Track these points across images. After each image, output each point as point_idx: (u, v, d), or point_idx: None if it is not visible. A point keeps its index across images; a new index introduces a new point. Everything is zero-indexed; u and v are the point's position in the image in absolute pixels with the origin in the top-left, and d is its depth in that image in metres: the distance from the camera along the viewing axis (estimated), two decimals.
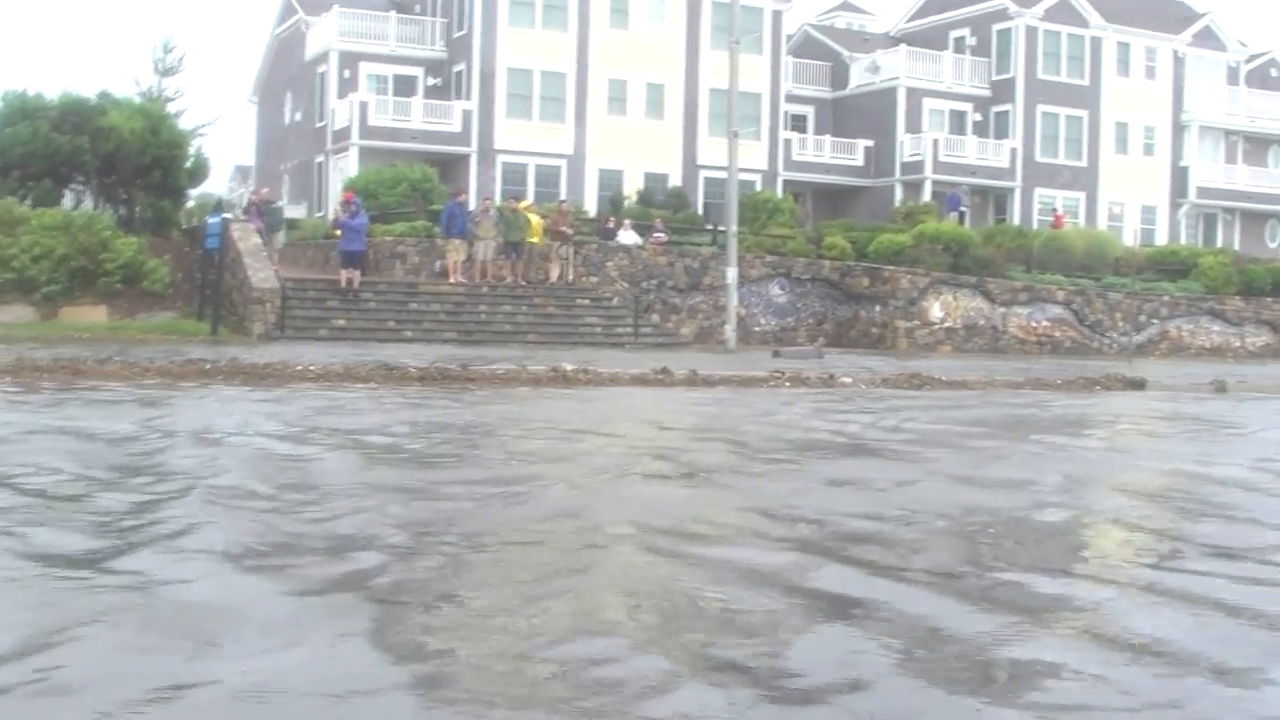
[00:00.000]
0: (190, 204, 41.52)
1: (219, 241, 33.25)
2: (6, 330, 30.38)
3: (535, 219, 37.85)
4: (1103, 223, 58.38)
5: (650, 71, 53.41)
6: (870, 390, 24.25)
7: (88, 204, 37.91)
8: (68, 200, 37.71)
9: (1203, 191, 62.18)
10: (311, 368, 22.92)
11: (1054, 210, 56.73)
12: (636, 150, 52.47)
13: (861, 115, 59.95)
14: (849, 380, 25.38)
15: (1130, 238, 53.70)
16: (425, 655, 5.57)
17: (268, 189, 44.76)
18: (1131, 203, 60.80)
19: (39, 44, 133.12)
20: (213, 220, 34.20)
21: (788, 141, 56.87)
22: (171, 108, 43.21)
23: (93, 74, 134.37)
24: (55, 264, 32.66)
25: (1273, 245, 63.38)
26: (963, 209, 50.28)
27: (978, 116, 60.09)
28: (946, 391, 24.70)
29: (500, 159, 51.19)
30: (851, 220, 50.63)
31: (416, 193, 41.63)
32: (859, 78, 61.02)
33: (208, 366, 22.56)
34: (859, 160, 58.47)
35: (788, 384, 24.59)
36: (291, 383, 21.41)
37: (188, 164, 39.03)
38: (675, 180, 53.10)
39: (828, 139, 59.07)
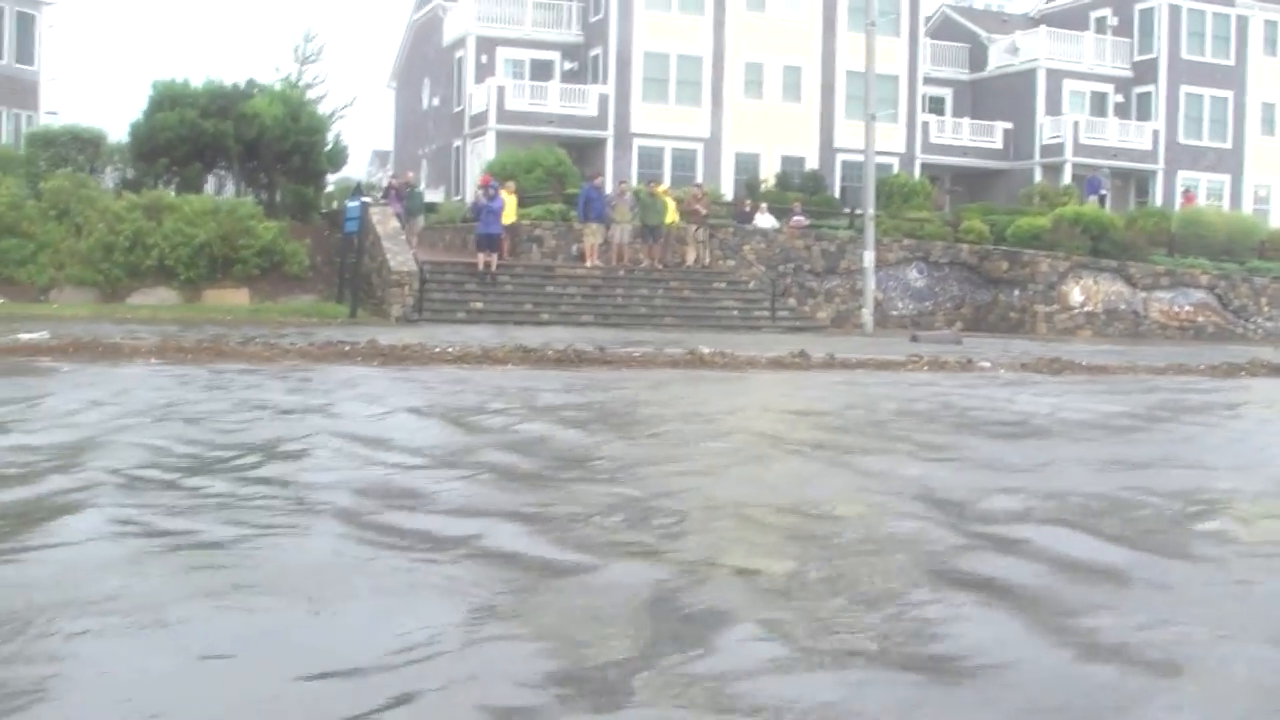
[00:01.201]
0: (329, 189, 41.98)
1: (358, 225, 33.63)
2: (151, 312, 30.98)
3: (672, 202, 37.85)
4: (1248, 206, 57.34)
5: (787, 54, 53.23)
6: (1010, 374, 23.98)
7: (230, 189, 38.51)
8: (210, 185, 38.31)
9: None
10: (450, 350, 23.05)
11: (1185, 190, 55.64)
12: (773, 133, 52.34)
13: (1000, 97, 59.35)
14: (987, 364, 25.11)
15: (1278, 221, 52.71)
16: None
17: (411, 173, 45.19)
18: (1279, 185, 59.61)
19: (188, 34, 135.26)
20: (352, 204, 34.60)
21: (925, 124, 56.47)
22: (311, 94, 43.81)
23: (237, 62, 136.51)
24: (196, 250, 33.25)
25: None
26: (1103, 192, 49.53)
27: (1119, 98, 59.24)
28: (1087, 376, 24.35)
29: (636, 143, 51.29)
30: (990, 203, 50.09)
31: (553, 177, 41.79)
32: (998, 59, 60.40)
33: (347, 348, 22.76)
34: (997, 143, 57.90)
35: (926, 368, 24.36)
36: (431, 364, 21.55)
37: (327, 149, 39.50)
38: (812, 163, 52.88)
39: (966, 121, 58.56)
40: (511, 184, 37.26)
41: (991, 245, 41.56)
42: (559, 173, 42.41)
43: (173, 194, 35.55)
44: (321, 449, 11.07)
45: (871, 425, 14.39)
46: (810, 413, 16.17)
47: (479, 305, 33.10)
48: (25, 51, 46.73)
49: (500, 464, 10.50)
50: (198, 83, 38.36)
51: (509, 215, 35.71)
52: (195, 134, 36.55)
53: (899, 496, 9.32)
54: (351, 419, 13.55)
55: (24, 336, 22.69)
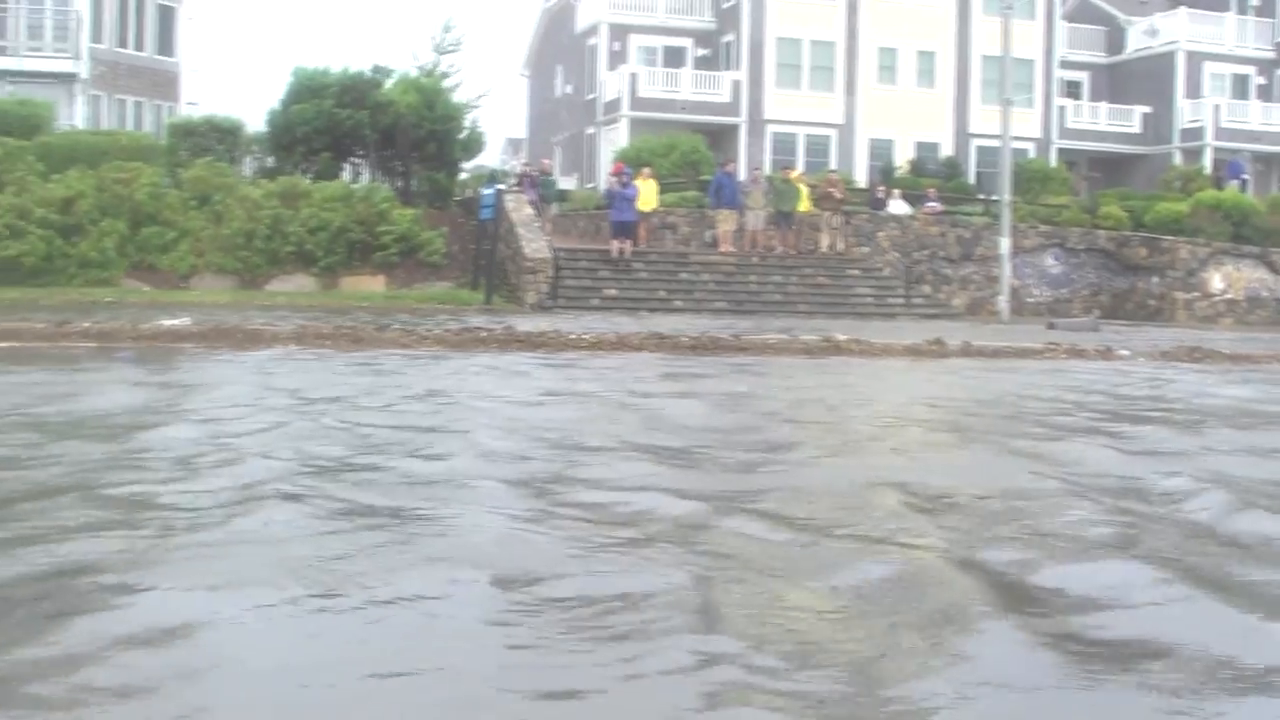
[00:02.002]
0: (464, 176, 42.25)
1: (493, 213, 33.82)
2: (289, 299, 31.40)
3: (805, 189, 37.71)
4: None
5: (921, 39, 52.82)
6: (1150, 362, 23.62)
7: (366, 177, 38.88)
8: (346, 173, 38.70)
9: None
10: (585, 336, 23.11)
11: None
12: (907, 119, 51.95)
13: (1138, 81, 58.43)
14: (1127, 352, 24.74)
15: None
16: None
17: (546, 160, 45.37)
18: None
19: (325, 23, 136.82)
20: (487, 192, 34.82)
21: (1062, 109, 55.76)
22: (448, 84, 44.09)
23: (373, 50, 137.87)
24: (333, 236, 33.66)
25: None
26: (1244, 177, 48.64)
27: (1262, 80, 58.11)
28: (1230, 365, 23.92)
29: (770, 129, 51.15)
30: (1128, 189, 49.38)
31: (687, 163, 41.79)
32: (1136, 42, 59.48)
33: (484, 335, 22.89)
34: (1136, 127, 57.03)
35: (1064, 355, 24.07)
36: (566, 351, 21.63)
37: (462, 136, 39.73)
38: (946, 149, 52.47)
39: (1103, 106, 57.75)
40: (649, 170, 37.27)
41: (1130, 231, 40.99)
42: (693, 159, 42.40)
43: (305, 180, 35.96)
44: (480, 431, 11.16)
45: (1021, 412, 14.20)
46: (960, 400, 15.99)
47: (612, 292, 33.17)
48: (166, 44, 47.47)
49: (660, 446, 10.50)
50: (334, 71, 38.73)
51: (649, 202, 35.75)
52: (332, 123, 36.96)
53: (1082, 481, 9.20)
54: (500, 403, 13.65)
55: (166, 323, 23.06)
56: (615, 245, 34.20)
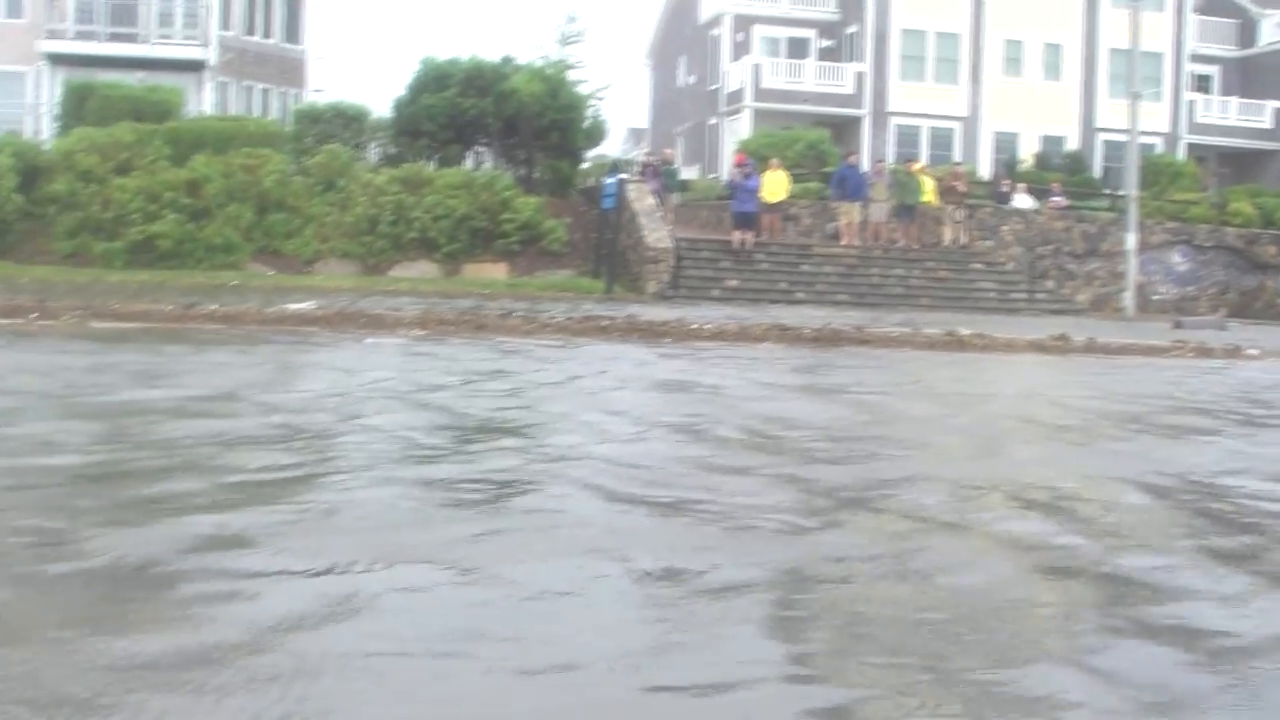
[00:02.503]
0: (586, 165, 42.32)
1: (615, 202, 33.84)
2: (411, 285, 31.61)
3: (929, 182, 37.43)
4: None
5: (1047, 31, 52.24)
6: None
7: (488, 165, 39.06)
8: (469, 162, 38.90)
9: None
10: (707, 326, 23.07)
11: None
12: (1032, 112, 51.41)
13: (1271, 74, 57.34)
14: (1256, 351, 24.34)
15: None
16: None
17: (669, 150, 45.38)
18: None
19: (450, 11, 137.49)
20: (609, 181, 34.87)
21: (1191, 103, 54.91)
22: (571, 73, 44.15)
23: (498, 38, 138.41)
24: (456, 223, 33.87)
25: None
26: None
27: None
28: None
29: (893, 121, 50.85)
30: (1259, 185, 48.51)
31: (810, 155, 41.62)
32: (1269, 35, 58.39)
33: (605, 323, 22.92)
34: (1267, 123, 55.98)
35: (1191, 354, 23.73)
36: (688, 341, 21.61)
37: (585, 126, 39.79)
38: (1072, 143, 51.90)
39: (1234, 100, 56.73)
40: (778, 160, 37.10)
41: (1260, 229, 40.30)
42: (816, 151, 42.23)
43: (428, 168, 36.23)
44: (604, 417, 11.21)
45: (1156, 411, 14.01)
46: (1098, 396, 15.78)
47: (734, 283, 33.09)
48: (293, 31, 47.92)
49: (789, 440, 10.49)
50: (459, 61, 38.92)
51: (777, 193, 35.61)
52: (456, 112, 37.21)
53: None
54: (623, 391, 13.69)
55: (291, 307, 23.30)
56: (737, 236, 34.12)
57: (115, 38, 42.10)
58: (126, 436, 9.68)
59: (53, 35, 41.61)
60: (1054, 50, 52.50)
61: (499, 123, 37.61)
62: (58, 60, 41.33)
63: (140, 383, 13.23)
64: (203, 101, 41.92)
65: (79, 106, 36.35)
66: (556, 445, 9.76)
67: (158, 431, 9.88)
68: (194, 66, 42.52)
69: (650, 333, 22.32)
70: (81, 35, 42.02)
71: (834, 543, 6.78)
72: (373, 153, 38.72)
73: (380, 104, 39.44)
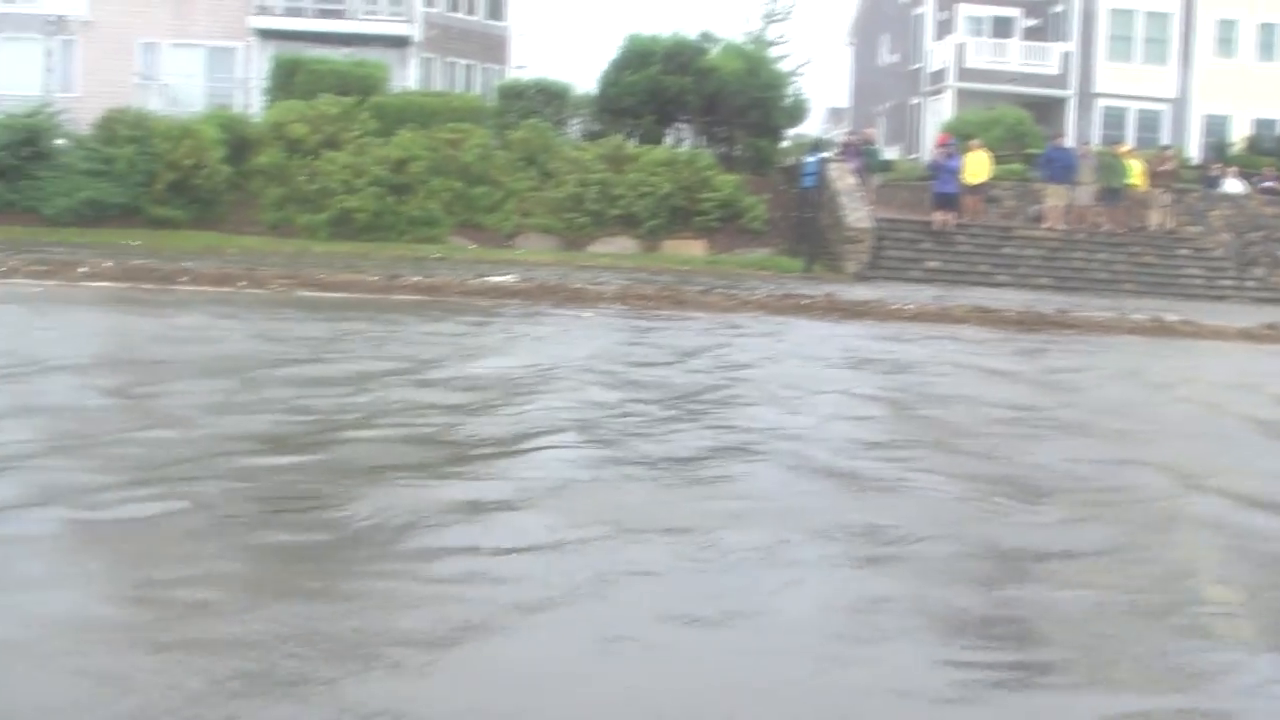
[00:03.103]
0: (786, 144, 42.08)
1: (816, 181, 33.64)
2: (612, 261, 31.72)
3: (1135, 165, 36.60)
4: None
5: (1263, 10, 50.73)
6: None
7: (688, 143, 39.03)
8: (669, 139, 38.90)
9: None
10: (907, 307, 22.81)
11: None
12: (1245, 94, 49.96)
13: None
14: None
15: None
16: None
17: (871, 129, 45.02)
18: None
19: None
20: (810, 160, 34.65)
21: None
22: (772, 51, 44.00)
23: (699, 14, 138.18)
24: (658, 200, 33.92)
25: None
26: None
27: None
28: None
29: (1099, 103, 49.83)
30: None
31: (1012, 136, 40.96)
32: None
33: (805, 302, 22.78)
34: None
35: None
36: (887, 321, 21.38)
37: (786, 104, 39.57)
38: None
39: None
40: (979, 141, 36.52)
41: None
42: (1018, 132, 41.56)
43: (630, 144, 36.33)
44: (814, 395, 11.17)
45: None
46: None
47: (934, 264, 32.67)
48: (496, 8, 48.25)
49: (1005, 422, 10.35)
50: (660, 38, 38.94)
51: (978, 174, 35.06)
52: (658, 89, 37.23)
53: None
54: (827, 368, 13.61)
55: (492, 279, 23.51)
56: (938, 217, 33.70)
57: (323, 14, 42.83)
58: (381, 404, 9.91)
59: (262, 11, 42.41)
60: (1269, 30, 50.96)
61: (700, 100, 37.54)
62: (267, 35, 42.11)
63: (372, 351, 13.48)
64: (407, 77, 42.43)
65: (287, 81, 37.02)
66: (767, 421, 9.70)
67: (395, 399, 10.09)
68: (399, 42, 43.06)
69: (850, 312, 22.12)
70: (290, 11, 42.80)
71: (1059, 527, 6.66)
72: (574, 129, 38.88)
73: (582, 81, 39.68)
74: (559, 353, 13.89)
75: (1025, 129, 42.12)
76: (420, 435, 8.63)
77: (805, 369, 13.52)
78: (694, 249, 33.78)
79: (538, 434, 8.70)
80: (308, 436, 8.48)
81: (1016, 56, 50.20)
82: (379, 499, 6.50)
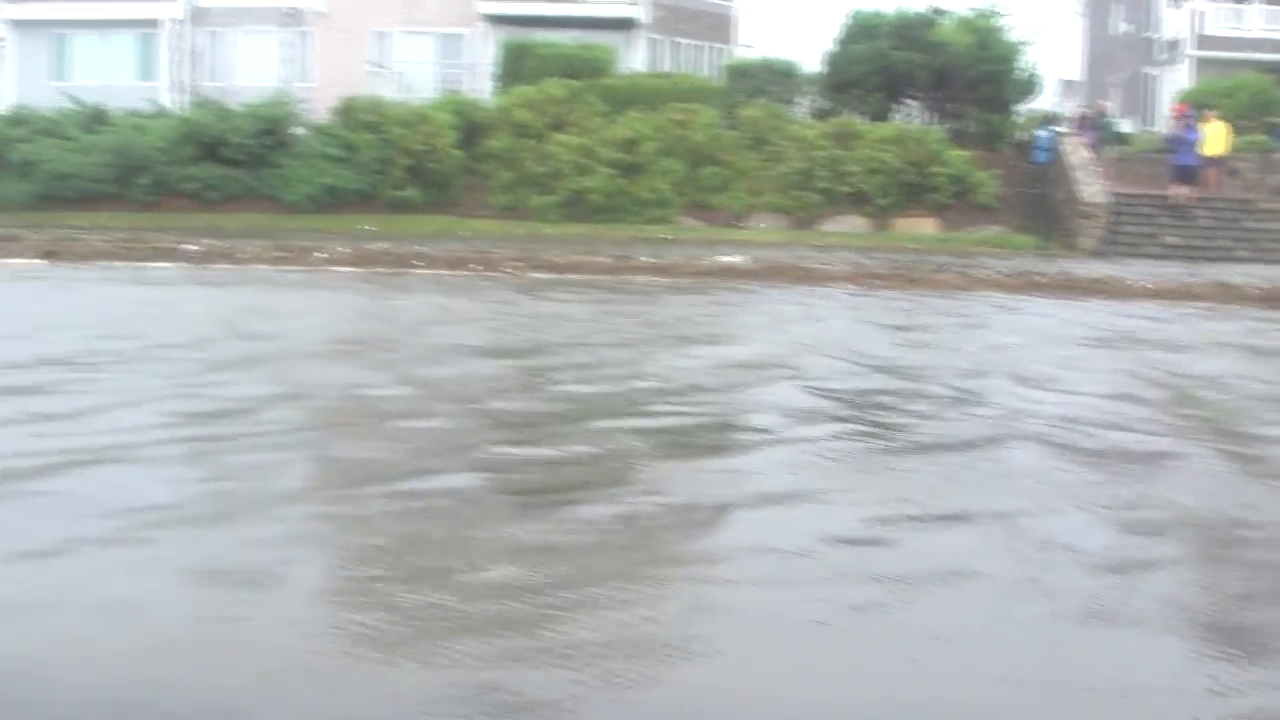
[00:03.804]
0: (1018, 118, 41.35)
1: (1049, 155, 33.06)
2: (842, 239, 31.53)
3: None
4: None
5: None
6: None
7: (916, 118, 38.57)
8: (897, 116, 38.47)
9: None
10: (1145, 284, 22.33)
11: None
12: None
13: None
14: None
15: None
16: None
17: (1105, 102, 44.04)
18: None
19: None
20: (1042, 134, 34.05)
21: None
22: (1002, 23, 43.18)
23: None
24: (888, 177, 33.60)
25: None
26: None
27: None
28: None
29: None
30: None
31: (1254, 105, 39.71)
32: None
33: (1039, 279, 22.45)
34: None
35: None
36: (1125, 298, 20.93)
37: (1016, 77, 38.86)
38: None
39: None
40: (1216, 112, 35.47)
41: None
42: (1261, 101, 40.27)
43: (859, 121, 36.02)
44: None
45: None
46: None
47: (1172, 240, 31.81)
48: None
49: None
50: (889, 13, 38.56)
51: (1217, 146, 34.05)
52: (885, 64, 36.85)
53: None
54: (1071, 347, 13.40)
55: (723, 259, 23.54)
56: (1176, 191, 32.83)
57: None
58: (648, 388, 10.07)
59: None
60: None
61: (928, 75, 37.05)
62: (495, 21, 42.54)
63: (622, 333, 13.60)
64: (634, 59, 42.57)
65: (516, 65, 37.43)
66: (1038, 403, 9.60)
67: (662, 383, 10.20)
68: (625, 25, 43.19)
69: (1086, 289, 21.72)
70: None
71: None
72: (801, 107, 38.67)
73: (807, 58, 39.43)
74: (810, 334, 13.90)
75: (1269, 97, 40.78)
76: (695, 422, 8.72)
77: (1062, 350, 13.32)
78: (925, 227, 33.40)
79: (811, 418, 8.71)
80: (601, 412, 8.68)
81: (1258, 22, 48.64)
82: (676, 482, 6.63)
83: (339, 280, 20.99)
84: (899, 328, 15.04)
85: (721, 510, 6.28)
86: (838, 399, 9.61)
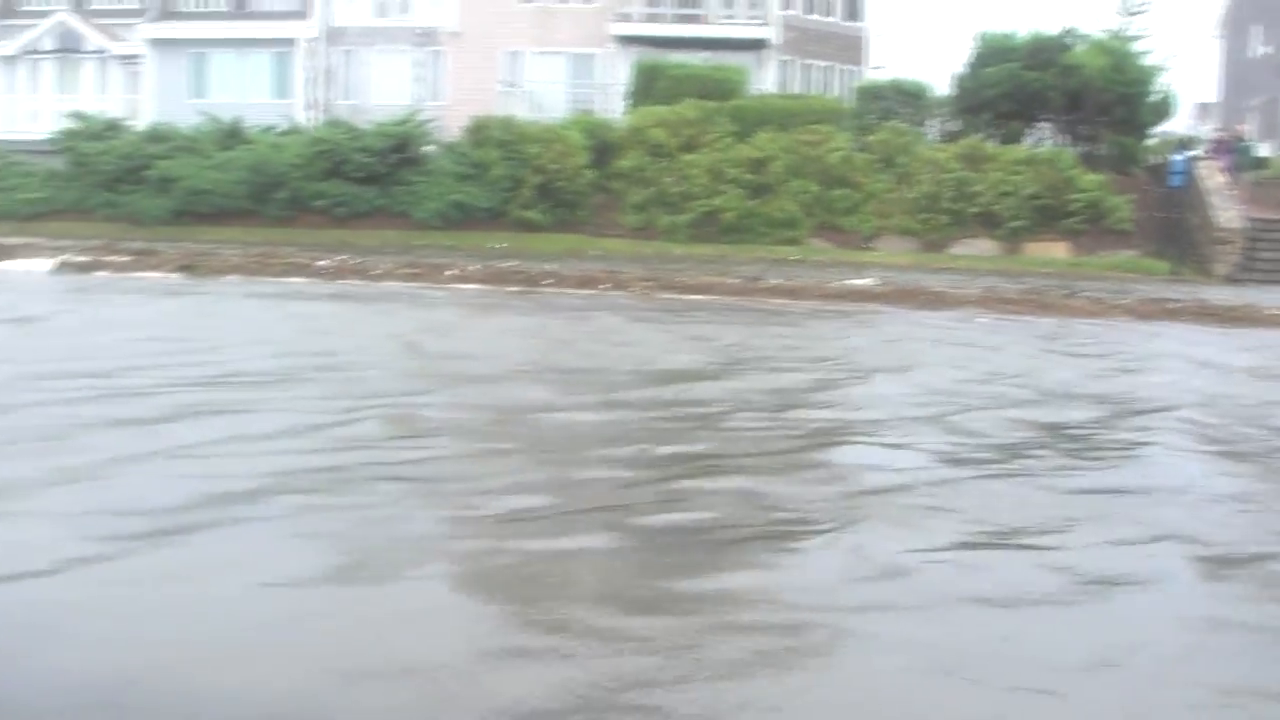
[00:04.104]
0: (1152, 141, 40.84)
1: (1184, 179, 32.65)
2: (970, 263, 31.30)
3: None
4: None
5: None
6: None
7: (1048, 141, 38.18)
8: (1029, 138, 38.12)
9: None
10: None
11: None
12: None
13: None
14: None
15: None
16: None
17: (1242, 126, 43.39)
18: None
19: None
20: (1177, 158, 33.67)
21: None
22: (1136, 46, 42.71)
23: (1056, 12, 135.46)
24: (1020, 201, 33.28)
25: None
26: None
27: None
28: None
29: None
30: None
31: None
32: None
33: (1172, 306, 22.12)
34: None
35: None
36: (1266, 326, 20.58)
37: (1151, 100, 38.38)
38: None
39: None
40: None
41: None
42: None
43: (990, 144, 35.72)
44: None
45: None
46: None
47: None
48: (853, 9, 48.04)
49: None
50: (1021, 35, 38.25)
51: None
52: (1017, 86, 36.52)
53: None
54: (1210, 375, 13.23)
55: (852, 283, 23.44)
56: None
57: (681, 19, 43.22)
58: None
59: (622, 18, 42.99)
60: None
61: (1061, 97, 36.67)
62: (627, 41, 42.71)
63: (769, 359, 13.58)
64: (765, 80, 42.54)
65: (648, 85, 37.57)
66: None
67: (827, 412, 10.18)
68: (756, 45, 43.18)
69: (1223, 317, 21.35)
70: (650, 17, 43.29)
71: None
72: (931, 129, 38.45)
73: (937, 80, 39.19)
74: (985, 361, 13.91)
75: None
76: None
77: (1220, 383, 13.17)
78: (1056, 251, 33.04)
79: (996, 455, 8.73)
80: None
81: None
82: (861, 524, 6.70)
83: (481, 299, 21.15)
84: (1070, 354, 14.99)
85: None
86: (1072, 430, 9.65)
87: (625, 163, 34.39)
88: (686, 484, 7.71)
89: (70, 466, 7.81)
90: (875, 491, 7.66)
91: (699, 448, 8.95)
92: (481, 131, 35.31)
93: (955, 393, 11.50)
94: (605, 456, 8.63)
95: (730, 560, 6.21)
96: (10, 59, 45.75)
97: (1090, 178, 33.92)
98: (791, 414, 10.42)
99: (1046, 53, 37.08)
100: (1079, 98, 36.67)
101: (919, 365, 13.56)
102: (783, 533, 6.68)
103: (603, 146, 34.91)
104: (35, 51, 45.66)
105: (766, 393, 11.37)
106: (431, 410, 10.47)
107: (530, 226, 33.83)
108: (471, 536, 6.66)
